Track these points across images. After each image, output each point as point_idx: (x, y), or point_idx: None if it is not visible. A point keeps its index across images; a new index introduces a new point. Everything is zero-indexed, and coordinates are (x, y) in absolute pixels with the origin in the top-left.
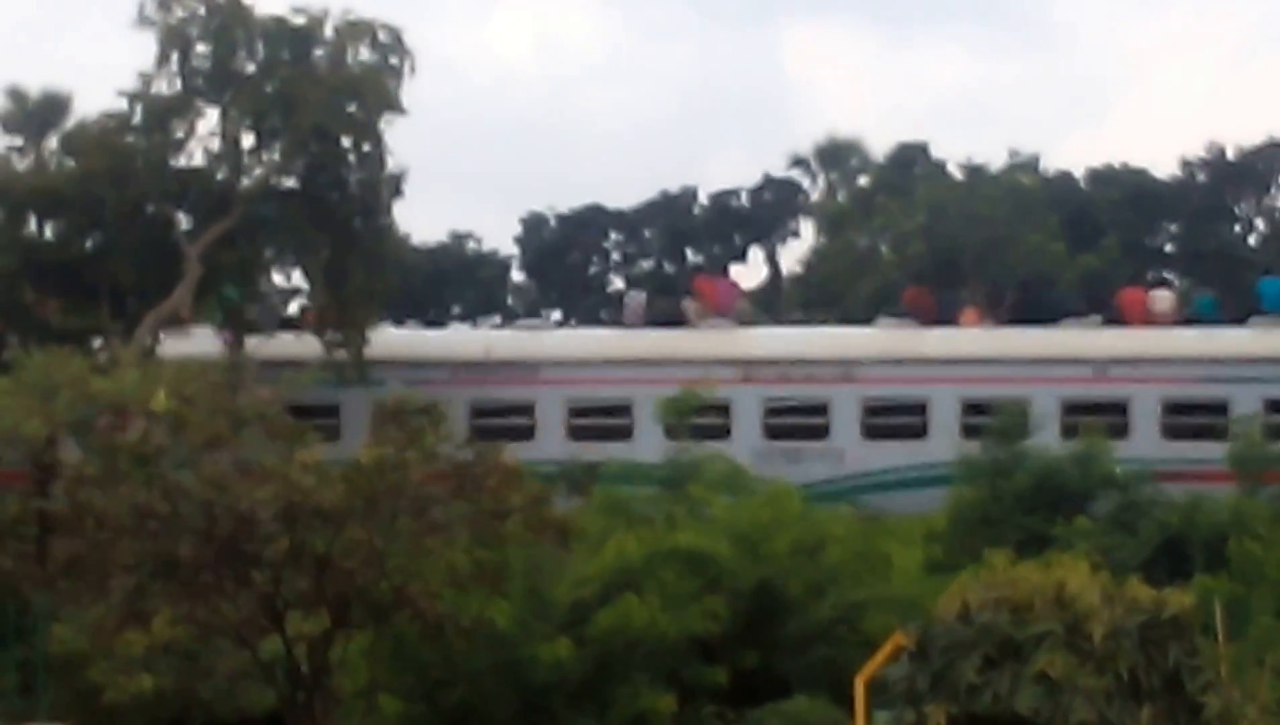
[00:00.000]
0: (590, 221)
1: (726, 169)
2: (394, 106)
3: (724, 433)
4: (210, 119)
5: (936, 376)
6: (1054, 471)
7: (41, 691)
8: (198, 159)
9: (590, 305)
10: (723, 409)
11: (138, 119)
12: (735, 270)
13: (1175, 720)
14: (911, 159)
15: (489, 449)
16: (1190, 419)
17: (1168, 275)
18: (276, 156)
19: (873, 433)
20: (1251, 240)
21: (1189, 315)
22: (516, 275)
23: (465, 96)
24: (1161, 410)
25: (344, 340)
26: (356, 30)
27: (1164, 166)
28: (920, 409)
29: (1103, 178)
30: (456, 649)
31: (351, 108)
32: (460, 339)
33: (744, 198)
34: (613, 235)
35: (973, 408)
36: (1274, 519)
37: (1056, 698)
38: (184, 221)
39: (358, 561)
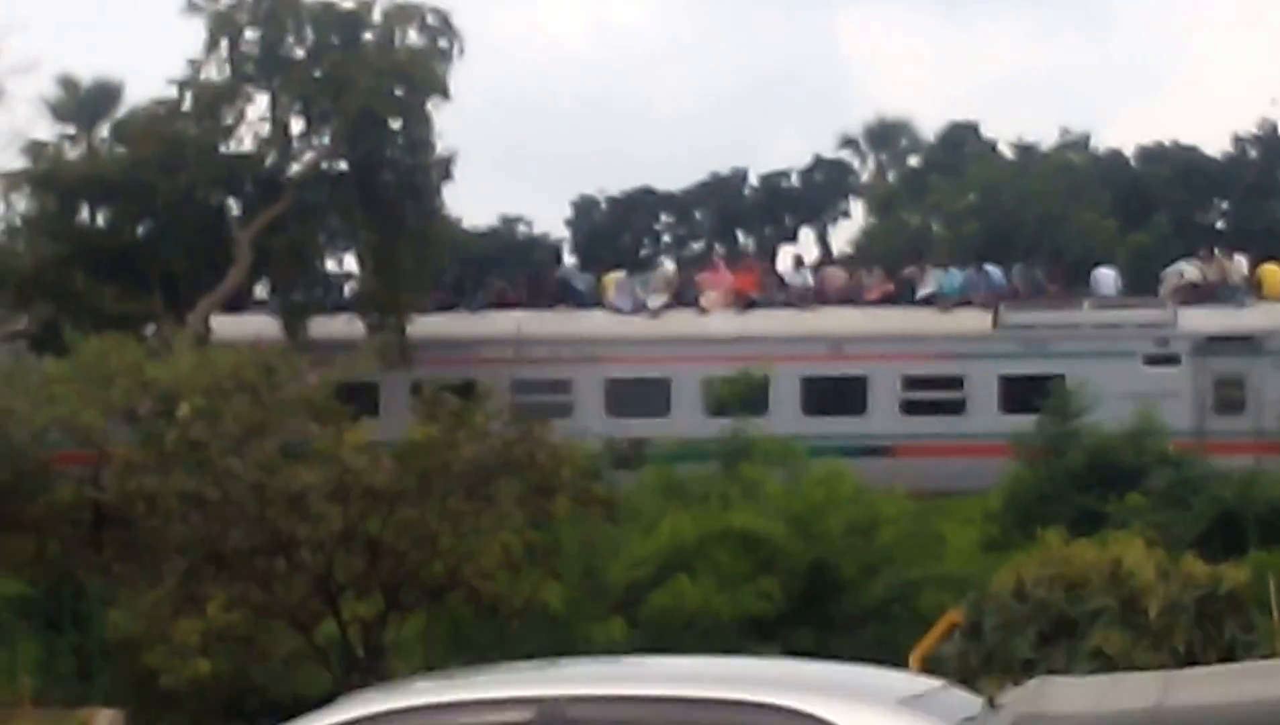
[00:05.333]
0: (641, 204)
1: (777, 150)
2: (442, 90)
3: None
4: (260, 104)
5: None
6: (1107, 449)
7: (97, 676)
8: (247, 144)
9: None
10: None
11: (187, 106)
12: (785, 250)
13: None
14: (962, 139)
15: (536, 425)
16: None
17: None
18: (326, 141)
19: (617, 411)
20: None
21: None
22: (568, 258)
23: (516, 79)
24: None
25: (390, 323)
26: (405, 14)
27: (1215, 144)
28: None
29: (1153, 156)
30: (510, 630)
31: (400, 92)
32: None
33: (794, 179)
34: (663, 217)
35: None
36: None
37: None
38: (235, 207)
39: (410, 543)
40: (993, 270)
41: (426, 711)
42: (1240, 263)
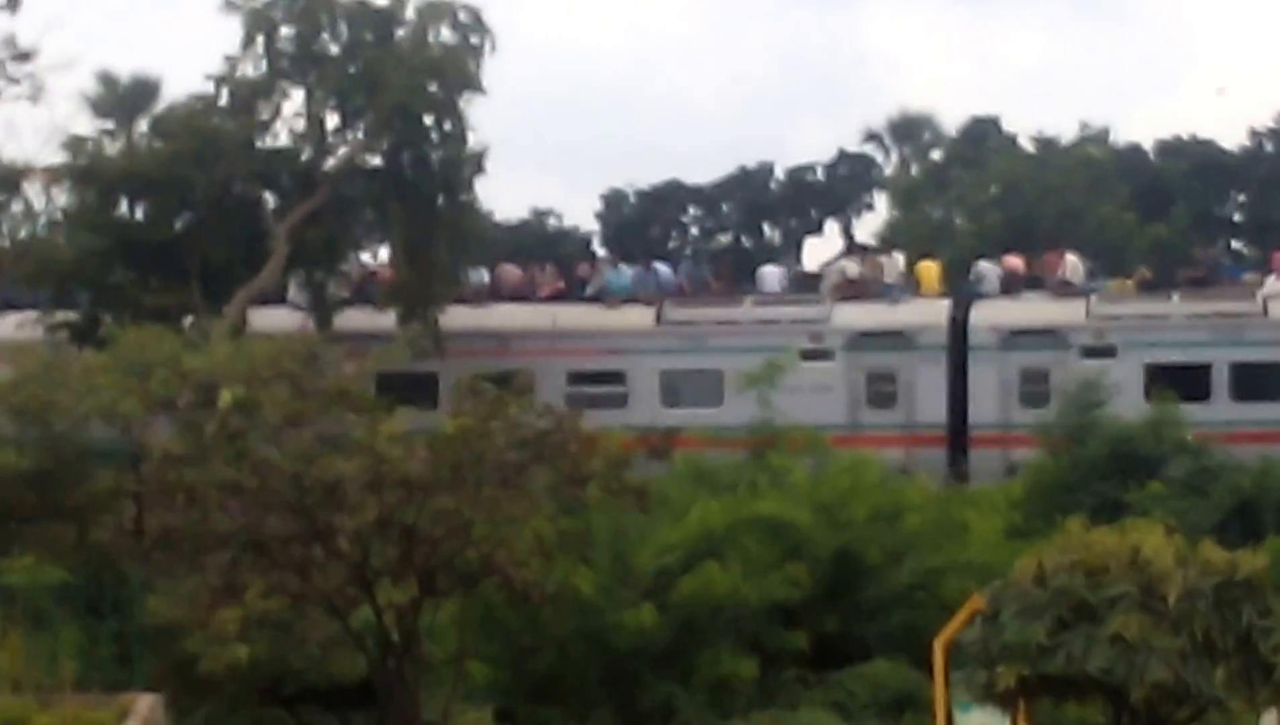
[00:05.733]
0: (669, 197)
1: (802, 144)
2: (475, 86)
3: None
4: (295, 100)
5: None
6: (1127, 438)
7: (137, 662)
8: (283, 139)
9: None
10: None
11: (224, 101)
12: (811, 243)
13: (1249, 679)
14: (983, 133)
15: (568, 416)
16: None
17: (1236, 244)
18: (360, 136)
19: None
20: None
21: None
22: (597, 250)
23: (547, 74)
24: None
25: (423, 315)
26: (437, 11)
27: (1232, 137)
28: None
29: (1171, 149)
30: (543, 616)
31: (433, 87)
32: None
33: (819, 172)
34: (691, 210)
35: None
36: None
37: (1131, 658)
38: (271, 201)
39: (445, 531)
40: (661, 268)
41: None
42: (898, 260)
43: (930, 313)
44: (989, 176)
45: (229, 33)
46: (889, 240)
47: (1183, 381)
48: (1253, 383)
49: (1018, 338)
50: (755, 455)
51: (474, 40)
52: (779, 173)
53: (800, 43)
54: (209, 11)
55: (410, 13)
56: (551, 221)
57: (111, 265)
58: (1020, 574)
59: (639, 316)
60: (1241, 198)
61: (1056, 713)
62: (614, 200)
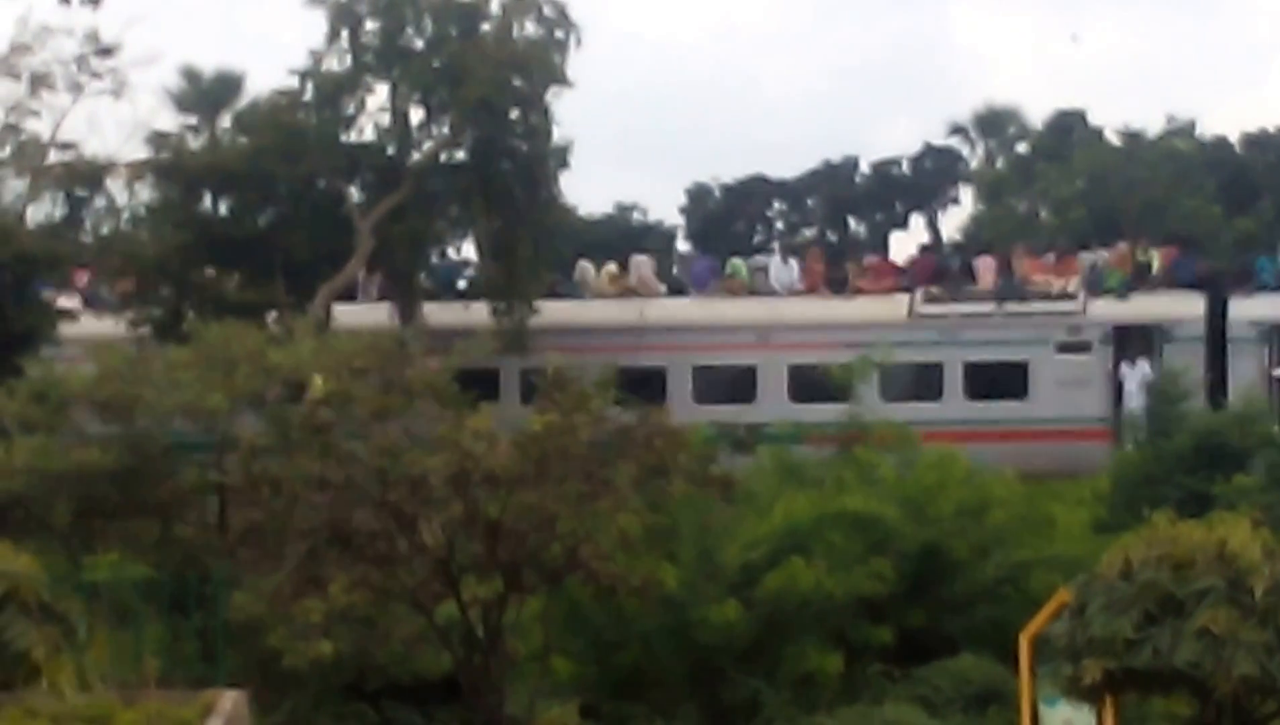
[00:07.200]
0: (754, 191)
1: (888, 138)
2: (560, 80)
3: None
4: (380, 95)
5: None
6: (1214, 432)
7: (222, 658)
8: (368, 134)
9: None
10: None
11: (309, 96)
12: (896, 237)
13: None
14: (1069, 126)
15: (651, 411)
16: None
17: None
18: (445, 130)
19: None
20: None
21: None
22: (682, 245)
23: (631, 68)
24: None
25: (509, 309)
26: (522, 6)
27: None
28: None
29: (1258, 142)
30: (628, 612)
31: (518, 82)
32: None
33: (905, 166)
34: (776, 204)
35: None
36: None
37: (1218, 652)
38: (355, 196)
39: (529, 525)
40: None
41: None
42: None
43: None
44: (1074, 170)
45: (313, 27)
46: (974, 235)
47: None
48: None
49: None
50: (841, 450)
51: (559, 34)
52: (864, 166)
53: (884, 36)
54: (293, 6)
55: (495, 7)
56: (636, 216)
57: (195, 260)
58: (1106, 568)
59: None
60: None
61: (1143, 707)
62: (698, 194)
